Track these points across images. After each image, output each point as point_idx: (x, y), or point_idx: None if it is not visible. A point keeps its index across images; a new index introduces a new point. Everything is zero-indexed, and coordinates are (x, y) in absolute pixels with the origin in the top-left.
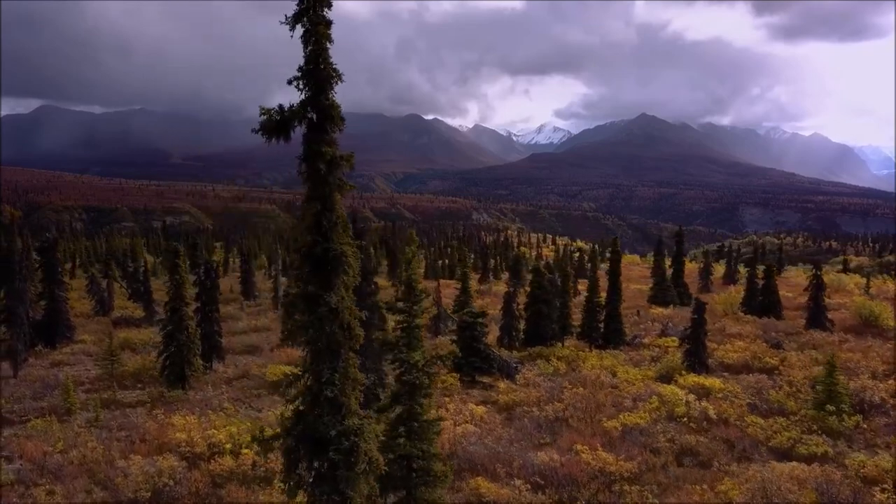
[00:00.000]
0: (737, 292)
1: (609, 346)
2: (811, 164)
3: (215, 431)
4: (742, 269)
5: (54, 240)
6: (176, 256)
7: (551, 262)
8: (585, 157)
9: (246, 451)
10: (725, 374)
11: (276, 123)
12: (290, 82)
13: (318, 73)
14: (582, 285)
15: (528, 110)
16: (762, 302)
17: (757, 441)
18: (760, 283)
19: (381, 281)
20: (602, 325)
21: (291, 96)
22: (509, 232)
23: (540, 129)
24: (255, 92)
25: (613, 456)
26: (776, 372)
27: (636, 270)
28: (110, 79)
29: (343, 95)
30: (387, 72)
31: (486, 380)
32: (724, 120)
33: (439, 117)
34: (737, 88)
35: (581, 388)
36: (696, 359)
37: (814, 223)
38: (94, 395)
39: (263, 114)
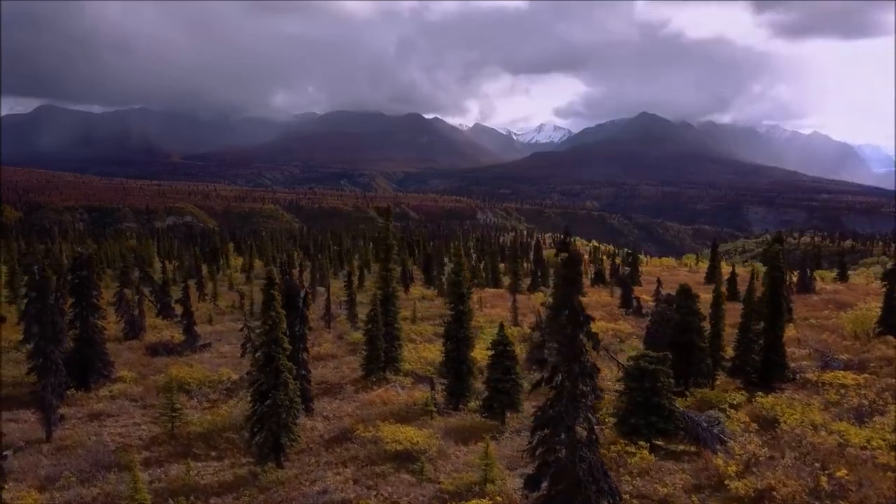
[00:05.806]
0: (868, 309)
1: (771, 384)
2: (812, 163)
3: None
4: (817, 276)
5: (89, 256)
6: (271, 286)
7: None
8: (587, 156)
9: None
10: None
11: None
12: None
13: None
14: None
15: (528, 109)
16: None
17: None
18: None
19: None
20: (758, 357)
21: (292, 96)
22: (525, 232)
23: (540, 129)
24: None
25: None
26: None
27: (682, 276)
28: (110, 78)
29: (343, 94)
30: (387, 71)
31: (666, 444)
32: (725, 118)
33: (440, 116)
34: (739, 86)
35: (842, 470)
36: None
37: (820, 222)
38: (156, 469)
39: None
